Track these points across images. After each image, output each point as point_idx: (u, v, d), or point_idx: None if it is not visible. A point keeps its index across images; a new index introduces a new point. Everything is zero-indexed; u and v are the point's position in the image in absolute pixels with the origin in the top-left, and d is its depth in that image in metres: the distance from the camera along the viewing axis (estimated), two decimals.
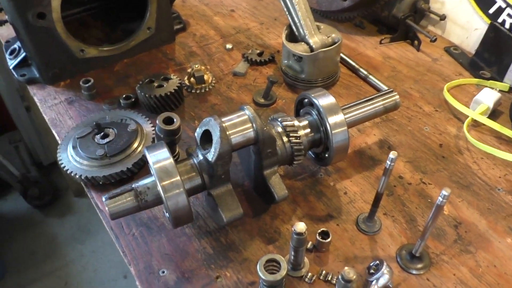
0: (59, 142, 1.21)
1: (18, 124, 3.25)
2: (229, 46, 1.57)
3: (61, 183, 3.46)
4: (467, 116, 1.28)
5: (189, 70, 1.39)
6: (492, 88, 1.34)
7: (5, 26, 1.40)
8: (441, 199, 0.81)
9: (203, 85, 1.38)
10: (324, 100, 1.03)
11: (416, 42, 1.55)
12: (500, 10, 1.42)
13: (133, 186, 0.91)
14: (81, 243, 3.16)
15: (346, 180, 1.14)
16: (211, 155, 0.91)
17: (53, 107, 1.34)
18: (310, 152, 1.14)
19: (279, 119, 1.03)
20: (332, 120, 1.01)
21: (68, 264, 2.98)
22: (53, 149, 3.00)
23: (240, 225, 1.04)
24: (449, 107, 1.34)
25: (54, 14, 1.28)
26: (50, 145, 3.01)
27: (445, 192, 0.80)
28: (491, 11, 1.44)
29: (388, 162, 0.88)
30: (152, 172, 0.91)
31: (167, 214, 0.98)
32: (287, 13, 1.38)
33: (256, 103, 1.34)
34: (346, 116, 1.06)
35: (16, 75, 1.42)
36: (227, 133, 0.92)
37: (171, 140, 1.02)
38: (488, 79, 1.41)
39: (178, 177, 0.88)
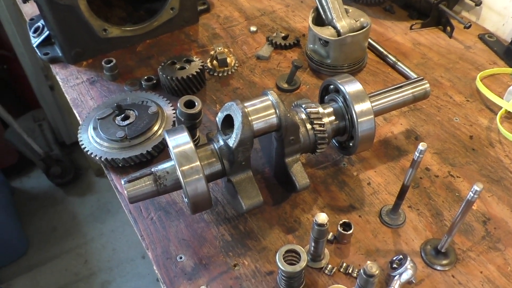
0: (80, 122, 1.20)
1: (42, 102, 3.29)
2: (253, 28, 1.53)
3: (82, 163, 3.50)
4: (501, 108, 1.22)
5: (212, 53, 1.36)
6: None
7: (29, 3, 1.39)
8: (472, 195, 0.77)
9: (225, 68, 1.35)
10: (351, 86, 0.99)
11: (448, 28, 1.48)
12: None
13: (152, 170, 0.90)
14: (101, 222, 3.20)
15: (370, 170, 1.11)
16: (232, 141, 0.89)
17: (75, 87, 1.34)
18: (333, 141, 1.10)
19: (303, 106, 1.00)
20: (358, 107, 0.97)
21: (88, 242, 3.03)
22: (75, 129, 3.03)
23: (259, 213, 1.02)
24: (482, 98, 1.28)
25: None
26: (73, 125, 3.04)
27: (476, 187, 0.76)
28: None
29: (417, 154, 0.84)
30: (171, 156, 0.89)
31: (186, 200, 0.96)
32: None
33: (279, 88, 1.31)
34: (373, 104, 1.02)
35: (39, 54, 1.42)
36: (249, 118, 0.89)
37: (192, 124, 1.00)
38: None
39: (198, 162, 0.86)
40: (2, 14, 2.76)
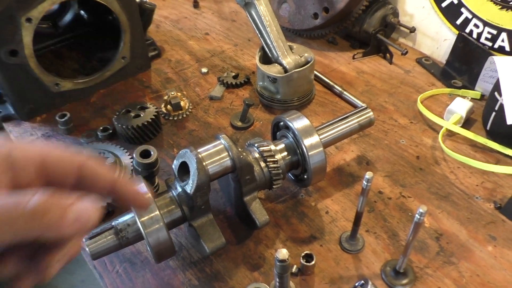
0: None
1: None
2: (204, 70, 1.58)
3: None
4: (442, 127, 1.30)
5: (165, 98, 1.40)
6: (464, 97, 1.37)
7: None
8: (418, 217, 0.83)
9: (180, 112, 1.38)
10: (299, 122, 1.04)
11: (388, 55, 1.58)
12: (467, 21, 1.46)
13: (112, 224, 0.91)
14: (70, 273, 3.10)
15: (327, 199, 1.15)
16: (190, 187, 0.91)
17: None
18: (289, 174, 1.14)
19: (256, 145, 1.04)
20: (307, 142, 1.02)
21: None
22: None
23: (224, 253, 1.04)
24: (424, 119, 1.36)
25: (27, 50, 1.27)
26: None
27: (421, 209, 0.81)
28: (458, 21, 1.48)
29: (365, 183, 0.89)
30: (131, 208, 0.90)
31: (149, 249, 0.98)
32: (259, 35, 1.40)
33: (234, 126, 1.35)
34: (322, 136, 1.08)
35: None
36: (204, 163, 0.92)
37: (150, 172, 1.02)
38: (460, 88, 1.44)
39: (157, 212, 0.88)
40: None
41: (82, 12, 1.73)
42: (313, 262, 0.97)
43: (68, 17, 1.70)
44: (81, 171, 0.59)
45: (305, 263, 0.97)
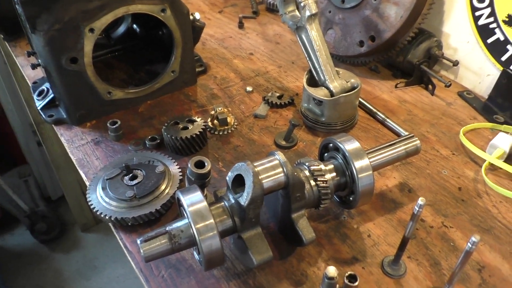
0: (87, 183, 1.24)
1: (29, 158, 3.29)
2: (249, 88, 1.62)
3: (68, 218, 3.46)
4: (484, 160, 1.31)
5: (212, 112, 1.44)
6: (507, 133, 1.39)
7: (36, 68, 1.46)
8: (470, 246, 0.83)
9: (225, 127, 1.42)
10: (350, 145, 1.07)
11: (430, 86, 1.60)
12: None
13: (167, 229, 0.94)
14: (87, 279, 3.14)
15: (369, 222, 1.17)
16: (244, 199, 0.94)
17: (80, 147, 1.38)
18: (334, 196, 1.16)
19: (306, 163, 1.07)
20: (358, 164, 1.04)
21: None
22: (63, 184, 3.04)
23: (267, 268, 1.05)
24: (466, 151, 1.38)
25: (86, 59, 1.34)
26: (60, 180, 3.04)
27: (474, 239, 0.82)
28: (503, 58, 1.50)
29: (416, 208, 0.91)
30: (185, 214, 0.93)
31: (197, 257, 1.00)
32: (307, 59, 1.44)
33: (277, 145, 1.38)
34: (370, 160, 1.10)
35: (43, 116, 1.47)
36: (260, 177, 0.95)
37: (201, 183, 1.05)
38: (502, 123, 1.45)
39: (212, 220, 0.90)
40: None
41: (134, 26, 1.80)
42: (356, 283, 0.98)
43: (121, 29, 1.78)
44: None
45: (348, 283, 0.98)
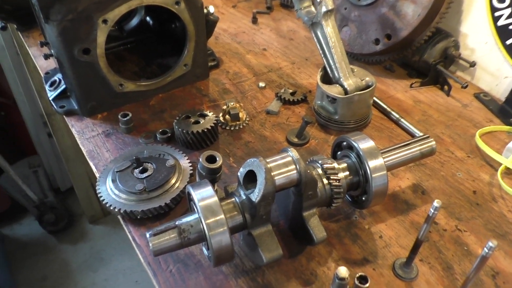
0: (97, 174, 1.23)
1: (39, 149, 3.31)
2: (262, 84, 1.60)
3: (76, 209, 3.48)
4: (500, 164, 1.28)
5: (224, 107, 1.42)
6: None
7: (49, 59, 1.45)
8: (486, 251, 0.81)
9: (237, 123, 1.41)
10: (364, 143, 1.05)
11: (446, 87, 1.57)
12: None
13: (176, 223, 0.92)
14: (93, 270, 3.15)
15: (381, 223, 1.14)
16: (255, 196, 0.92)
17: (91, 139, 1.37)
18: (346, 195, 1.14)
19: (319, 161, 1.05)
20: (372, 163, 1.02)
21: None
22: (72, 176, 3.05)
23: (276, 266, 1.04)
24: (481, 154, 1.35)
25: (99, 50, 1.33)
26: (70, 171, 3.05)
27: (491, 244, 0.80)
28: None
29: (432, 210, 0.88)
30: (195, 209, 0.92)
31: (206, 252, 0.99)
32: (322, 55, 1.42)
33: (289, 142, 1.36)
34: (385, 160, 1.08)
35: (55, 107, 1.46)
36: (272, 174, 0.93)
37: (212, 178, 1.04)
38: None
39: (223, 216, 0.89)
40: (6, 64, 2.83)
41: (147, 18, 1.79)
42: (367, 285, 0.96)
43: (134, 21, 1.77)
44: None
45: (359, 284, 0.96)
